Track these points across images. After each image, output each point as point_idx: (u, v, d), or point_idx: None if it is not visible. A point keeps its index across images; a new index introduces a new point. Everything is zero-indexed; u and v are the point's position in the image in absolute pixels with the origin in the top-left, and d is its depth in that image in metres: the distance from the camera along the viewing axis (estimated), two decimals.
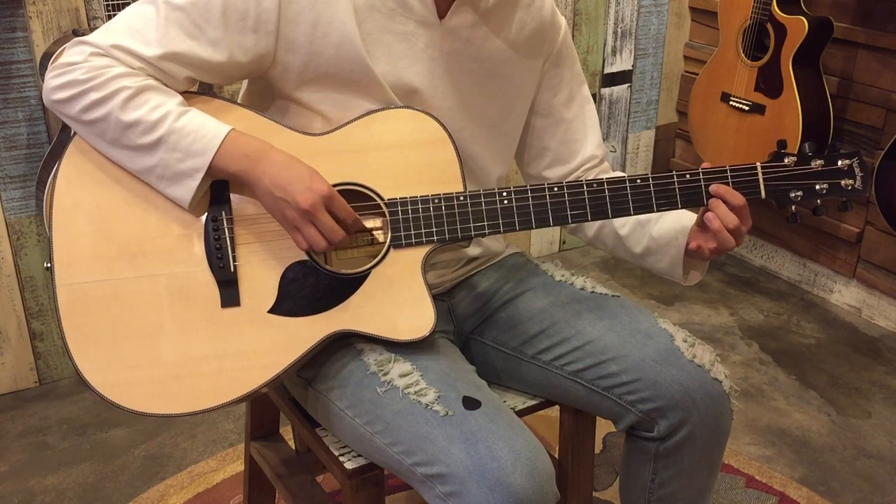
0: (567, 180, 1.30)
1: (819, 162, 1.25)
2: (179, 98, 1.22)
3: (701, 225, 1.28)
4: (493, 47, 1.34)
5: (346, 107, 1.25)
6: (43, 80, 1.23)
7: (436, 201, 1.23)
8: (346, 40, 1.23)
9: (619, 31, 3.00)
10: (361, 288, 1.23)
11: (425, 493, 1.16)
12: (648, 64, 3.12)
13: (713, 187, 1.24)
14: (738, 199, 1.23)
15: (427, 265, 1.24)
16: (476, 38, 1.32)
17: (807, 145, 1.25)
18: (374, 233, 1.25)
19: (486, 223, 1.24)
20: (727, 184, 1.24)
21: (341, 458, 1.31)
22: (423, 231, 1.23)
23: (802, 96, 2.50)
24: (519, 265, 1.50)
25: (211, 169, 1.19)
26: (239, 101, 1.35)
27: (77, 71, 1.18)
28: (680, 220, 1.34)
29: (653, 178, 1.24)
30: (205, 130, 1.19)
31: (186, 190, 1.19)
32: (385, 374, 1.22)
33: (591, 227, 1.45)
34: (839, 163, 1.25)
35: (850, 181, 1.25)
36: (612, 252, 1.47)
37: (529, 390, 1.44)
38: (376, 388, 1.21)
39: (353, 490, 1.29)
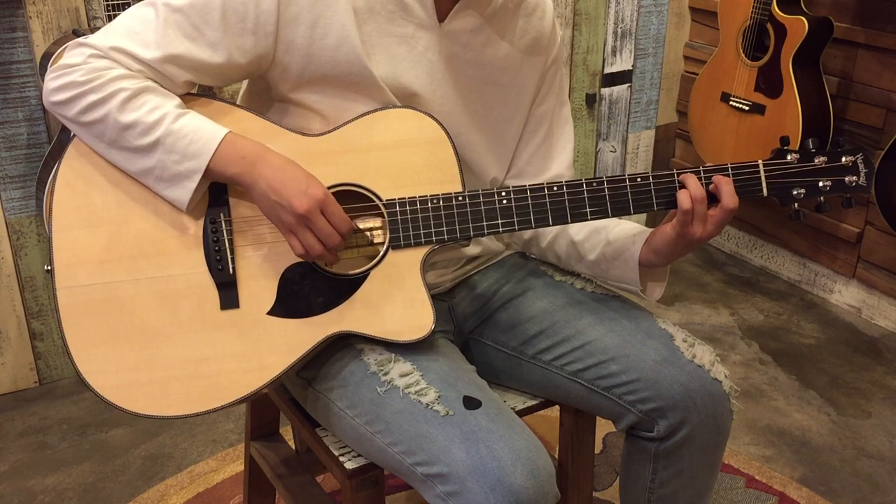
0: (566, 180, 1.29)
1: (822, 158, 1.24)
2: (178, 100, 1.22)
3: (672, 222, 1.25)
4: (493, 53, 1.34)
5: (346, 108, 1.25)
6: (43, 80, 1.23)
7: (434, 201, 1.23)
8: (345, 42, 1.22)
9: (619, 31, 3.00)
10: (360, 289, 1.22)
11: (426, 492, 1.16)
12: (648, 64, 3.12)
13: (714, 184, 1.23)
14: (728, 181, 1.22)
15: (426, 265, 1.24)
16: (476, 43, 1.32)
17: (810, 141, 1.24)
18: (373, 233, 1.25)
19: (485, 223, 1.24)
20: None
21: (341, 458, 1.31)
22: (421, 232, 1.23)
23: (802, 96, 2.50)
24: (519, 265, 1.50)
25: (208, 171, 1.19)
26: (238, 102, 1.35)
27: (76, 73, 1.18)
28: (638, 226, 1.33)
29: (653, 176, 1.24)
30: (202, 132, 1.18)
31: (184, 192, 1.19)
32: (385, 374, 1.22)
33: (546, 237, 1.44)
34: (843, 159, 1.24)
35: (854, 178, 1.24)
36: (564, 264, 1.44)
37: (529, 390, 1.44)
38: (376, 387, 1.21)
39: (353, 490, 1.29)
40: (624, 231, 1.34)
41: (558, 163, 1.45)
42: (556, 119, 1.46)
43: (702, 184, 1.22)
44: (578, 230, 1.39)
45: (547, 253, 1.46)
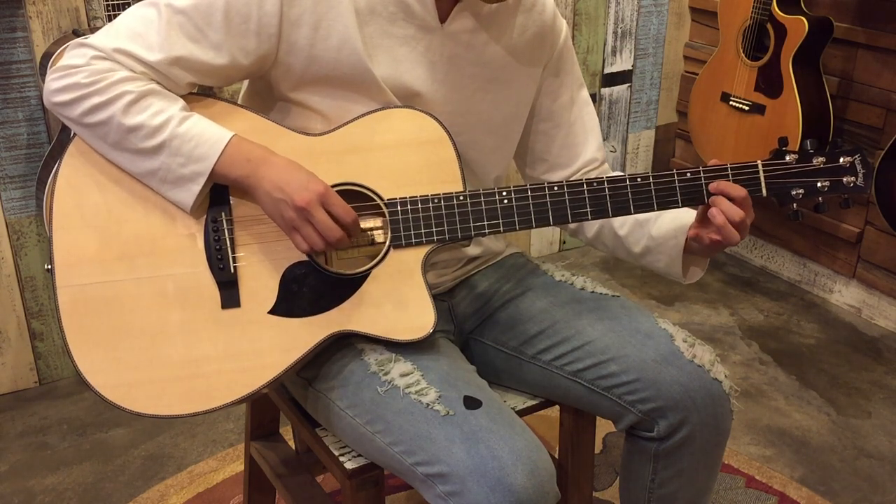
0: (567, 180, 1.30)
1: (821, 159, 1.24)
2: (182, 103, 1.22)
3: (702, 220, 1.27)
4: (494, 52, 1.34)
5: (348, 109, 1.25)
6: (43, 81, 1.23)
7: (435, 201, 1.23)
8: (347, 44, 1.23)
9: (619, 31, 3.00)
10: (361, 288, 1.23)
11: (426, 492, 1.16)
12: (648, 64, 3.12)
13: (713, 185, 1.23)
14: (739, 191, 1.22)
15: (427, 265, 1.24)
16: (477, 42, 1.32)
17: (808, 142, 1.25)
18: (374, 233, 1.25)
19: (485, 223, 1.24)
20: (728, 181, 1.24)
21: (341, 458, 1.31)
22: (422, 231, 1.23)
23: (802, 96, 2.50)
24: (519, 265, 1.50)
25: (213, 174, 1.19)
26: (239, 101, 1.35)
27: (79, 74, 1.18)
28: (679, 218, 1.33)
29: (653, 177, 1.24)
30: (207, 135, 1.19)
31: (188, 194, 1.19)
32: (386, 374, 1.22)
33: (591, 228, 1.45)
34: (841, 160, 1.24)
35: (852, 178, 1.25)
36: (612, 252, 1.46)
37: (529, 390, 1.44)
38: (377, 387, 1.21)
39: (353, 490, 1.29)
40: (665, 227, 1.34)
41: (588, 147, 1.46)
42: (577, 104, 1.46)
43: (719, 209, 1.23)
44: (621, 224, 1.40)
45: (595, 243, 1.47)
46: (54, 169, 1.23)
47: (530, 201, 1.24)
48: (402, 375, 1.21)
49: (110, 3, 1.97)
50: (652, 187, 1.24)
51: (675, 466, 1.34)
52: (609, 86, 3.06)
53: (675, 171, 1.25)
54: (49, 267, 1.22)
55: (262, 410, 1.65)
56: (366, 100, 1.26)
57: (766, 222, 3.00)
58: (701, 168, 1.25)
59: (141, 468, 2.07)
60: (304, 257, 1.22)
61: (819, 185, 1.25)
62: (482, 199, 1.24)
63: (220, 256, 1.22)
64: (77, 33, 2.08)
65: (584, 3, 2.88)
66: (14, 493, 2.00)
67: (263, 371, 1.21)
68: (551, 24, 1.40)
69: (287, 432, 1.89)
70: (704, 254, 1.31)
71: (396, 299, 1.22)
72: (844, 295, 2.81)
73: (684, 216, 1.33)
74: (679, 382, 1.28)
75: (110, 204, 1.22)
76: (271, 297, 1.22)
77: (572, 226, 1.48)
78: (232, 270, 1.22)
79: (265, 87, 1.30)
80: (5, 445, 2.16)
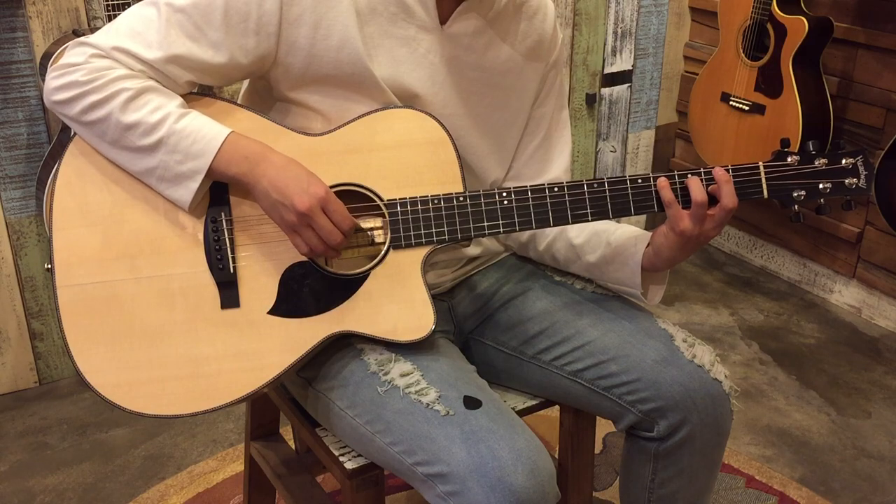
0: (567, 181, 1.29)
1: (823, 161, 1.24)
2: (180, 100, 1.22)
3: (669, 225, 1.25)
4: (495, 56, 1.34)
5: (348, 109, 1.25)
6: (43, 80, 1.23)
7: (435, 202, 1.23)
8: (347, 43, 1.22)
9: (619, 31, 3.00)
10: (361, 289, 1.22)
11: (426, 492, 1.16)
12: (648, 64, 3.12)
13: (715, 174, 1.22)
14: (727, 195, 1.21)
15: (427, 265, 1.24)
16: (477, 46, 1.32)
17: (810, 143, 1.24)
18: (374, 233, 1.25)
19: (485, 224, 1.24)
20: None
21: (341, 458, 1.31)
22: (422, 232, 1.23)
23: (802, 96, 2.50)
24: (519, 265, 1.50)
25: (211, 171, 1.19)
26: (239, 101, 1.35)
27: (78, 72, 1.18)
28: (638, 231, 1.33)
29: (654, 178, 1.24)
30: (205, 132, 1.19)
31: (186, 191, 1.19)
32: (385, 374, 1.22)
33: (543, 240, 1.43)
34: (843, 161, 1.24)
35: (854, 180, 1.24)
36: (563, 266, 1.44)
37: (530, 390, 1.44)
38: (377, 387, 1.21)
39: (353, 490, 1.29)
40: (625, 234, 1.34)
41: (556, 166, 1.45)
42: (555, 122, 1.45)
43: (703, 184, 1.22)
44: (578, 233, 1.38)
45: (544, 256, 1.45)
46: (54, 169, 1.23)
47: (530, 202, 1.24)
48: (402, 375, 1.21)
49: (110, 3, 1.97)
50: (653, 188, 1.24)
51: (676, 466, 1.34)
52: (609, 86, 3.05)
53: (675, 171, 1.24)
54: (49, 266, 1.22)
55: (262, 410, 1.65)
56: (366, 100, 1.26)
57: (766, 222, 3.00)
58: (702, 169, 1.24)
59: (141, 468, 2.07)
60: (304, 258, 1.22)
61: (821, 186, 1.24)
62: (482, 199, 1.24)
63: (219, 257, 1.22)
64: (77, 33, 2.08)
65: (584, 3, 2.88)
66: (14, 493, 2.00)
67: (263, 371, 1.21)
68: (551, 35, 1.40)
69: (287, 432, 1.89)
70: (665, 253, 1.27)
71: (396, 300, 1.22)
72: (844, 295, 2.81)
73: (643, 231, 1.32)
74: (679, 382, 1.28)
75: (110, 204, 1.22)
76: (271, 298, 1.22)
77: (523, 238, 1.47)
78: (231, 270, 1.22)
79: (265, 86, 1.30)
80: (5, 445, 2.16)
